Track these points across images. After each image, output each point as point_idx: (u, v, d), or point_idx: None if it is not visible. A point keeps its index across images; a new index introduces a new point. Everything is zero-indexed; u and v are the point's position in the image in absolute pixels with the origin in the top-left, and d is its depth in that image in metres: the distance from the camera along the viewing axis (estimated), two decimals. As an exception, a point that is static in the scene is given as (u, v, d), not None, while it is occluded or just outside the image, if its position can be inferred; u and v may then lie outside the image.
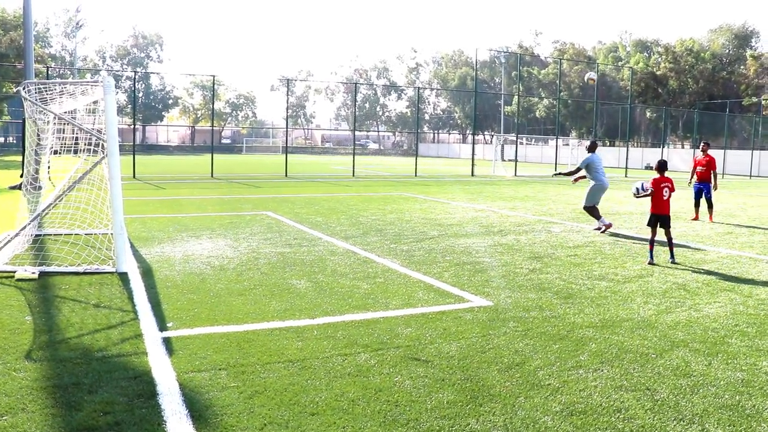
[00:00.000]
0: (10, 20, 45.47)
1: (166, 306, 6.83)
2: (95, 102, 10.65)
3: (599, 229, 13.67)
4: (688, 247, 11.92)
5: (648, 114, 70.16)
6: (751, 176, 47.67)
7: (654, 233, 10.32)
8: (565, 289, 8.18)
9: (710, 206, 16.55)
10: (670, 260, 10.26)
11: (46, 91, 9.90)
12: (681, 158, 56.07)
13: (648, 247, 10.39)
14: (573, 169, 14.43)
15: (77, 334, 5.82)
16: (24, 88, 9.37)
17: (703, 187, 16.72)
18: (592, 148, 14.35)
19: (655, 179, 10.24)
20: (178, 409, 4.29)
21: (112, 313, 6.54)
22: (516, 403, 4.63)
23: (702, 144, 17.61)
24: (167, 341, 5.67)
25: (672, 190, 10.25)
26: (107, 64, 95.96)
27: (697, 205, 16.84)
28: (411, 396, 4.68)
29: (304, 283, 8.08)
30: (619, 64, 72.45)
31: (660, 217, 10.26)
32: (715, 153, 48.58)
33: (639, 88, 67.14)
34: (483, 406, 4.57)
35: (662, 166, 10.44)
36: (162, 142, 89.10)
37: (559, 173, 15.80)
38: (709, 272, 9.55)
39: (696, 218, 16.56)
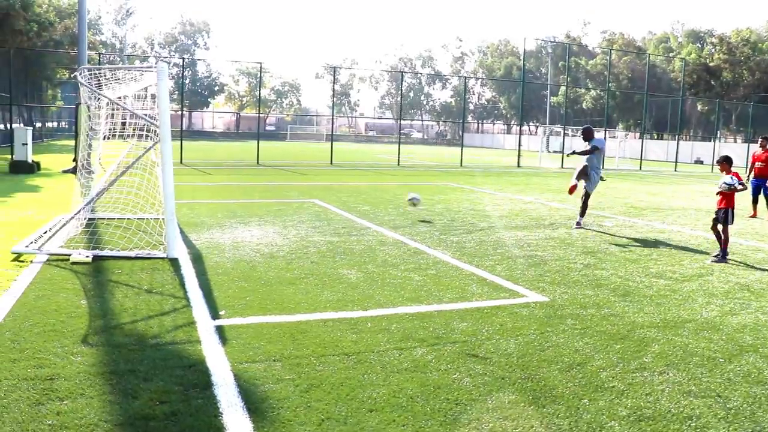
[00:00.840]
0: (64, 8, 46.34)
1: (218, 293, 6.79)
2: (145, 88, 10.66)
3: (579, 224, 12.73)
4: (748, 245, 11.50)
5: (699, 107, 68.41)
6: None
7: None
8: (622, 287, 7.92)
9: None
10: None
11: (102, 76, 9.95)
12: (734, 153, 54.50)
13: (721, 246, 9.89)
14: (589, 148, 12.74)
15: (131, 319, 5.80)
16: (80, 73, 9.42)
17: (762, 183, 16.15)
18: (590, 135, 13.06)
19: (736, 173, 9.79)
20: (233, 401, 4.21)
21: (164, 299, 6.52)
22: (580, 406, 4.44)
23: (761, 139, 16.97)
24: (220, 330, 5.61)
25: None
26: (155, 51, 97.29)
27: (755, 201, 16.27)
28: (471, 394, 4.53)
29: (355, 273, 7.98)
30: (670, 55, 70.75)
31: (729, 212, 9.79)
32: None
33: (691, 80, 65.41)
34: (546, 407, 4.40)
35: (730, 161, 10.00)
36: (207, 129, 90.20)
37: (574, 152, 13.42)
38: (773, 272, 9.18)
39: (754, 215, 16.02)
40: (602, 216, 14.82)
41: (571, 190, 12.77)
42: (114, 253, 8.30)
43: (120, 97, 12.15)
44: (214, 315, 6.02)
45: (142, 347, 5.09)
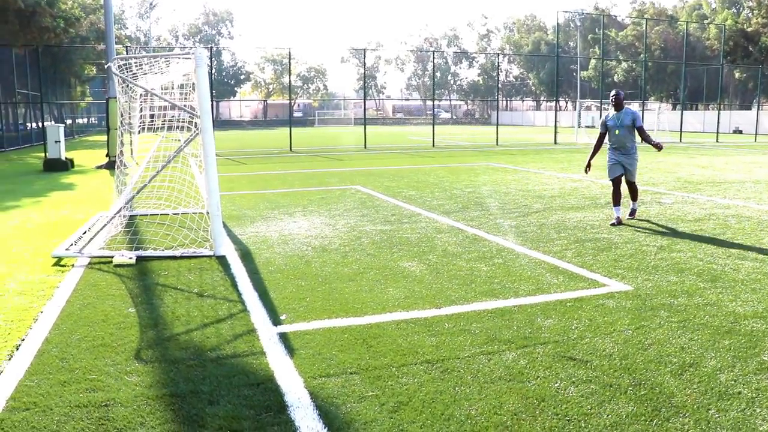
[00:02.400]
0: (88, 3, 46.11)
1: (275, 294, 6.24)
2: (185, 75, 10.14)
3: (617, 221, 10.21)
4: (829, 218, 10.71)
5: (737, 74, 66.38)
6: None
7: None
8: (706, 271, 7.23)
9: None
10: None
11: (137, 66, 9.45)
12: (773, 120, 52.81)
13: None
14: (648, 132, 10.76)
15: (185, 329, 5.27)
16: (114, 64, 8.92)
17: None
18: (620, 103, 10.30)
19: None
20: (314, 425, 3.66)
21: (218, 304, 5.98)
22: (709, 418, 3.83)
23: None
24: (284, 338, 5.06)
25: None
26: (180, 42, 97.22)
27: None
28: (581, 408, 3.93)
29: (417, 266, 7.39)
30: (705, 22, 68.71)
31: None
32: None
33: (727, 47, 63.46)
34: (671, 420, 3.79)
35: None
36: (235, 118, 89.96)
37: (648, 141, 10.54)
38: None
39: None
40: (658, 193, 14.05)
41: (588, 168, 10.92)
42: (158, 253, 7.80)
43: (151, 90, 11.66)
44: (275, 320, 5.47)
45: (202, 362, 4.55)
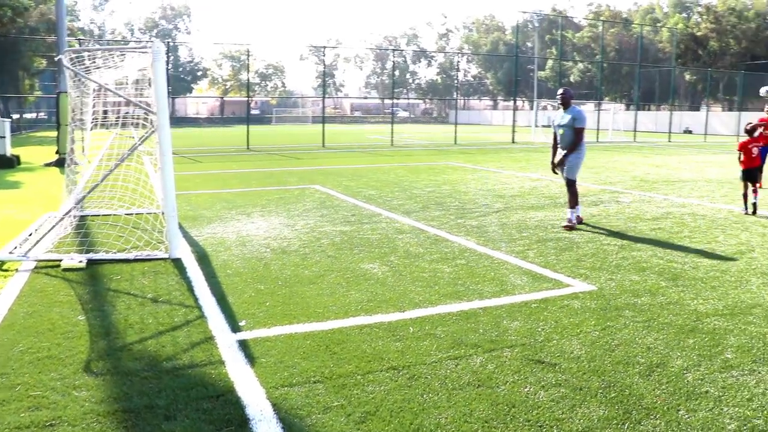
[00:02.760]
0: (39, -8, 44.76)
1: (233, 299, 6.02)
2: (140, 71, 9.84)
3: (570, 224, 9.77)
4: (782, 216, 10.91)
5: (687, 77, 67.85)
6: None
7: (746, 186, 11.32)
8: (667, 270, 7.25)
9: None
10: (752, 211, 11.15)
11: (90, 60, 9.12)
12: (721, 122, 54.02)
13: (742, 200, 11.40)
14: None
15: (139, 338, 5.01)
16: (65, 57, 8.56)
17: (762, 151, 15.46)
18: (567, 102, 9.88)
19: (743, 142, 11.32)
20: (277, 439, 3.49)
21: (173, 310, 5.73)
22: (679, 419, 3.78)
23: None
24: (244, 345, 4.85)
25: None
26: (135, 36, 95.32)
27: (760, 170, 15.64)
28: (553, 413, 3.83)
29: (379, 267, 7.24)
30: (658, 25, 70.04)
31: (748, 171, 11.30)
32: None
33: (678, 50, 64.85)
34: (642, 423, 3.73)
35: (751, 130, 11.45)
36: (191, 115, 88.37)
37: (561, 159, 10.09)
38: (822, 246, 8.56)
39: (760, 186, 15.42)
40: (616, 191, 14.16)
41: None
42: (110, 256, 7.49)
43: (105, 84, 11.29)
44: (234, 327, 5.25)
45: (158, 374, 4.30)
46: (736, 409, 3.93)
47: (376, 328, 5.24)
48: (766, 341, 5.06)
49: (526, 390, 4.14)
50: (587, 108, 64.03)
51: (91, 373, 4.34)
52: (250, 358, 4.59)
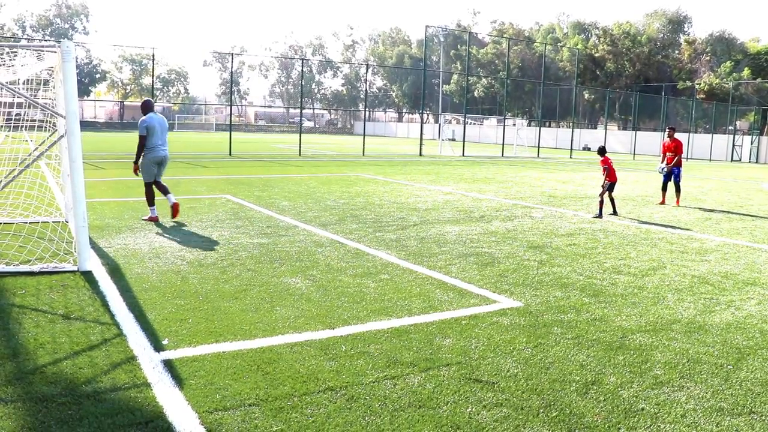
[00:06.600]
0: None
1: (152, 315, 5.67)
2: (38, 72, 9.26)
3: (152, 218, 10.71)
4: (677, 231, 11.41)
5: (586, 95, 70.87)
6: (688, 158, 48.46)
7: (606, 195, 13.76)
8: (588, 286, 7.40)
9: (678, 190, 16.23)
10: (612, 213, 13.70)
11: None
12: (617, 140, 56.70)
13: (598, 207, 13.48)
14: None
15: (52, 359, 4.60)
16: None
17: (673, 171, 16.32)
18: (148, 108, 10.56)
19: (605, 159, 13.99)
20: (215, 470, 3.25)
21: (88, 327, 5.32)
22: (622, 440, 3.79)
23: (668, 129, 17.19)
24: (170, 365, 4.55)
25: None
26: (27, 35, 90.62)
27: (664, 189, 16.47)
28: (497, 436, 3.76)
29: (302, 282, 7.03)
30: (558, 45, 72.82)
31: (613, 184, 13.95)
32: (656, 136, 49.32)
33: (577, 69, 67.73)
34: (586, 445, 3.70)
35: (603, 150, 14.28)
36: (89, 118, 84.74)
37: None
38: (719, 263, 8.97)
39: (662, 202, 16.23)
40: (528, 206, 14.47)
41: None
42: (12, 268, 6.94)
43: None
44: (157, 346, 4.92)
45: (77, 399, 3.95)
46: (673, 425, 3.98)
47: (307, 346, 5.04)
48: (690, 357, 5.19)
49: (468, 410, 4.06)
50: (489, 123, 65.92)
51: None
52: (178, 380, 4.30)
